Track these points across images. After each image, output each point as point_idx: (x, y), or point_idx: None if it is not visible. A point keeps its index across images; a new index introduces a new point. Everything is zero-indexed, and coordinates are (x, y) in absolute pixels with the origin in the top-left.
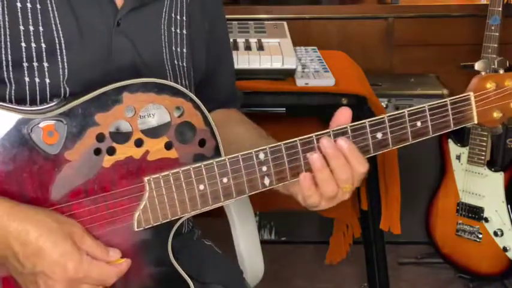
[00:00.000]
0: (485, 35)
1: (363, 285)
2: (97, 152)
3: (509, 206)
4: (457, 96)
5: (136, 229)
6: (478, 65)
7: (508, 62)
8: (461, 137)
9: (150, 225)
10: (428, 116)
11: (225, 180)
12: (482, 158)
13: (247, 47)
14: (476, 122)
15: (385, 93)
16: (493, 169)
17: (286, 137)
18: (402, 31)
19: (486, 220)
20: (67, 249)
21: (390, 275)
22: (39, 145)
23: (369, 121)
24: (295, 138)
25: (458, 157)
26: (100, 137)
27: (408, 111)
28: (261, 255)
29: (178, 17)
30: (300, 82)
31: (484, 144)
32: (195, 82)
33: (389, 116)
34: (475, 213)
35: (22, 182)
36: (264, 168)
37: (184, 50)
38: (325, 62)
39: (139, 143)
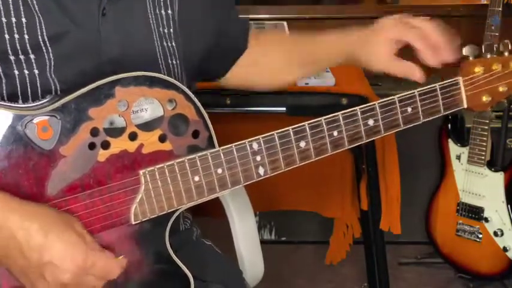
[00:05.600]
0: (485, 35)
1: (363, 285)
2: (91, 146)
3: (509, 206)
4: (446, 81)
5: (133, 222)
6: (465, 50)
7: (510, 45)
8: (461, 137)
9: (147, 218)
10: (418, 101)
11: (219, 171)
12: (482, 158)
13: None
14: (465, 106)
15: (385, 93)
16: (493, 169)
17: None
18: None
19: (486, 220)
20: (73, 239)
21: (390, 275)
22: (33, 141)
23: (360, 108)
24: (288, 127)
25: (458, 157)
26: (94, 132)
27: (398, 97)
28: (261, 255)
29: None
30: (300, 82)
31: (484, 144)
32: (198, 56)
33: (380, 102)
34: (475, 213)
35: (18, 178)
36: (258, 158)
37: (171, 30)
38: None
39: (133, 137)
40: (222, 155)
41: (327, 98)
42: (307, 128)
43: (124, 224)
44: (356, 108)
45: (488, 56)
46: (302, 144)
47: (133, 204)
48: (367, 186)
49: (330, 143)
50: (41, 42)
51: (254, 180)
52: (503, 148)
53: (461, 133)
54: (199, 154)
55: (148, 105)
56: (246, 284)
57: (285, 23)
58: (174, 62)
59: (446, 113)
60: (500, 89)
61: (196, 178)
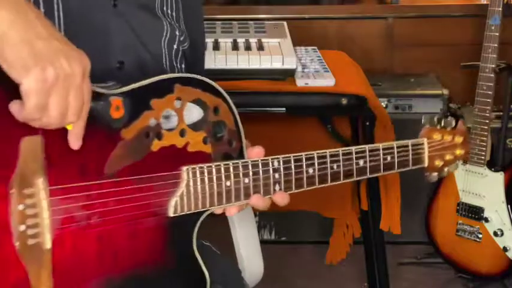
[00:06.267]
0: (485, 35)
1: (363, 285)
2: (147, 135)
3: (509, 206)
4: (415, 140)
5: (171, 214)
6: (424, 119)
7: (454, 122)
8: None
9: (183, 213)
10: (395, 152)
11: (246, 180)
12: (482, 158)
13: (247, 47)
14: (426, 165)
15: (385, 93)
16: (493, 169)
17: (286, 137)
18: (402, 31)
19: (486, 220)
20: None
21: (390, 275)
22: (105, 117)
23: (355, 148)
24: (302, 153)
25: None
26: (152, 121)
27: (382, 145)
28: (260, 256)
29: None
30: (300, 82)
31: (484, 144)
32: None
33: (369, 147)
34: (475, 213)
35: (83, 150)
36: (276, 176)
37: (178, 33)
38: (325, 62)
39: (182, 133)
40: (250, 166)
41: (327, 98)
42: (316, 157)
43: (161, 215)
44: (352, 148)
45: (438, 127)
46: (310, 170)
47: (173, 197)
48: (367, 186)
49: (330, 175)
50: (56, 18)
51: (270, 196)
52: (503, 148)
53: None
54: (233, 161)
55: (198, 107)
56: (245, 284)
57: (285, 23)
58: (178, 65)
59: (413, 167)
60: (447, 157)
61: (228, 183)
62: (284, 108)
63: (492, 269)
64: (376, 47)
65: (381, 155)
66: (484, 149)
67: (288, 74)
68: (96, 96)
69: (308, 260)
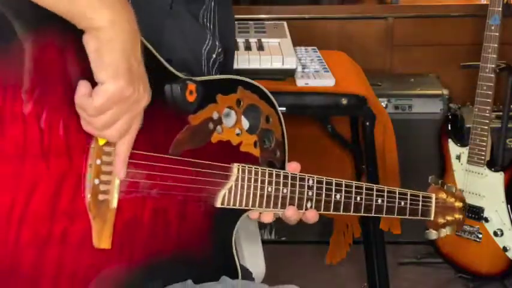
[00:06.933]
0: (485, 35)
1: (363, 285)
2: (210, 126)
3: (509, 206)
4: (425, 193)
5: (218, 205)
6: (430, 179)
7: (454, 188)
8: (461, 137)
9: (228, 207)
10: (409, 199)
11: (284, 190)
12: (482, 158)
13: (247, 47)
14: (432, 218)
15: (385, 93)
16: (493, 169)
17: (287, 136)
18: (402, 31)
19: (486, 220)
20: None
21: (390, 275)
22: (181, 98)
23: (376, 186)
24: (333, 179)
25: (458, 157)
26: (215, 114)
27: (399, 190)
28: (262, 256)
29: None
30: (300, 82)
31: (484, 144)
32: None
33: (388, 188)
34: (475, 213)
35: (156, 123)
36: (310, 193)
37: (217, 43)
38: (325, 62)
39: (238, 132)
40: (290, 177)
41: (327, 98)
42: (343, 184)
43: (209, 203)
44: (373, 185)
45: (445, 187)
46: (337, 196)
47: (223, 189)
48: None
49: (354, 205)
50: None
51: (302, 211)
52: (503, 148)
53: (461, 133)
54: (276, 170)
55: (254, 112)
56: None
57: (285, 23)
58: (214, 74)
59: (421, 218)
60: (449, 217)
61: (269, 189)
62: (284, 108)
63: (492, 269)
64: (376, 47)
65: (397, 198)
66: (484, 149)
67: (288, 74)
68: (175, 78)
69: (308, 260)
